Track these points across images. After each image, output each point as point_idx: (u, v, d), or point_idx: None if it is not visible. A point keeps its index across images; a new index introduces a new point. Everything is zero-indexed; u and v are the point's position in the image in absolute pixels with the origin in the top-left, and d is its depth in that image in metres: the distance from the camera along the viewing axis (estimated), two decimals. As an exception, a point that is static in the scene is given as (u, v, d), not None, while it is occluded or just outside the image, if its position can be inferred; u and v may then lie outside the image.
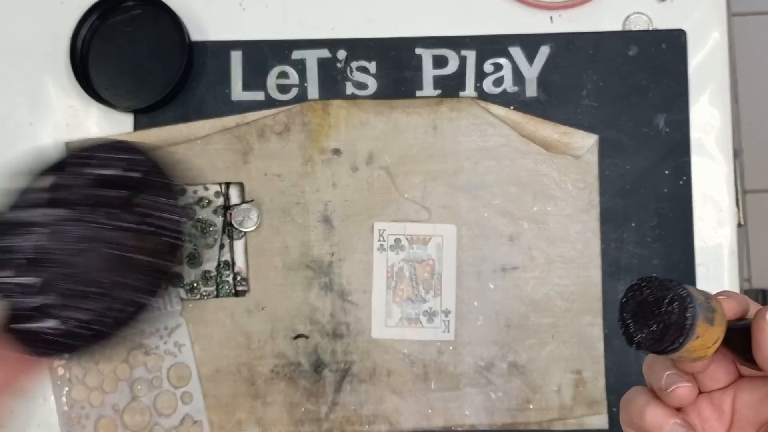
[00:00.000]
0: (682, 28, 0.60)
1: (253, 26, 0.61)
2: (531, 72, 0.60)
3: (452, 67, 0.60)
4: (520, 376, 0.58)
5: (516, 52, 0.60)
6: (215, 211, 0.60)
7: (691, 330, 0.32)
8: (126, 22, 0.60)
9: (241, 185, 0.60)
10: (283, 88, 0.60)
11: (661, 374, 0.35)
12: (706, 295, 0.33)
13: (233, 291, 0.59)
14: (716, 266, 0.59)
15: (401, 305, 0.59)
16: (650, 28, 0.60)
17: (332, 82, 0.60)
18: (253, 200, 0.60)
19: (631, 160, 0.59)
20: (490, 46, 0.60)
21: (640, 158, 0.59)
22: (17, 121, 0.61)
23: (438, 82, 0.60)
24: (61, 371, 0.59)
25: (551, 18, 0.61)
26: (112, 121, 0.60)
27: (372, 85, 0.60)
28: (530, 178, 0.59)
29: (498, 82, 0.60)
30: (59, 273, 0.38)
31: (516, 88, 0.60)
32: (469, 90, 0.60)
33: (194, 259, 0.59)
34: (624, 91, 0.60)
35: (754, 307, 0.35)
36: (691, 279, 0.59)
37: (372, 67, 0.60)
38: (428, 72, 0.60)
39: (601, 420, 0.58)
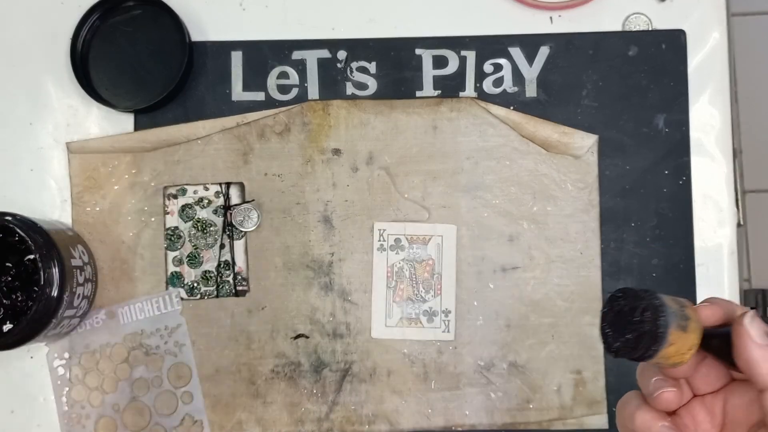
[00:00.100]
0: (682, 28, 0.60)
1: (254, 26, 0.61)
2: (531, 72, 0.60)
3: (452, 67, 0.60)
4: (520, 376, 0.58)
5: (516, 52, 0.60)
6: (215, 211, 0.60)
7: (663, 338, 0.33)
8: (126, 22, 0.60)
9: (241, 185, 0.60)
10: (284, 89, 0.61)
11: (649, 380, 0.36)
12: (681, 304, 0.35)
13: (233, 291, 0.59)
14: (716, 266, 0.59)
15: (401, 305, 0.59)
16: (650, 29, 0.60)
17: (332, 83, 0.60)
18: (253, 200, 0.60)
19: (630, 160, 0.59)
20: (490, 46, 0.60)
21: (640, 158, 0.59)
22: (17, 121, 0.61)
23: (438, 82, 0.60)
24: (61, 371, 0.59)
25: (551, 18, 0.61)
26: (112, 121, 0.60)
27: (372, 85, 0.60)
28: (530, 178, 0.59)
29: (498, 82, 0.60)
30: None
31: (516, 89, 0.60)
32: (469, 90, 0.60)
33: (194, 259, 0.59)
34: (624, 91, 0.60)
35: (740, 311, 0.35)
36: (691, 279, 0.59)
37: (372, 67, 0.60)
38: (428, 72, 0.60)
39: (601, 420, 0.58)
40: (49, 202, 0.60)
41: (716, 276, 0.59)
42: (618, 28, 0.61)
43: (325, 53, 0.61)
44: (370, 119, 0.60)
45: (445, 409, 0.58)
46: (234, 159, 0.60)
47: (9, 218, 0.52)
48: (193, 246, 0.60)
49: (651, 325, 0.34)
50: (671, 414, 0.37)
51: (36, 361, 0.59)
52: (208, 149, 0.60)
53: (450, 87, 0.60)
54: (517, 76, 0.60)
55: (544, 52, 0.60)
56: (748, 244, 1.33)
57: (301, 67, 0.61)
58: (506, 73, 0.60)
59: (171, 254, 0.59)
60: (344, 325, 0.59)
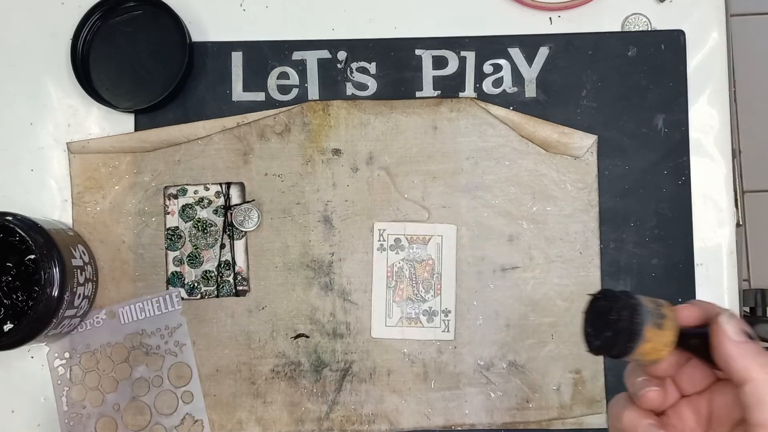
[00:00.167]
0: (681, 28, 0.60)
1: (254, 27, 0.61)
2: (530, 72, 0.60)
3: (452, 67, 0.60)
4: (520, 376, 0.59)
5: (515, 52, 0.60)
6: (216, 211, 0.60)
7: (639, 335, 0.35)
8: (127, 22, 0.60)
9: (241, 185, 0.60)
10: (284, 89, 0.61)
11: (635, 380, 0.38)
12: (658, 303, 0.37)
13: (234, 291, 0.59)
14: (715, 266, 0.59)
15: (401, 305, 0.59)
16: (649, 29, 0.60)
17: (332, 83, 0.61)
18: (253, 200, 0.60)
19: (630, 160, 0.60)
20: (490, 46, 0.60)
21: (640, 158, 0.60)
22: (18, 121, 0.61)
23: (438, 82, 0.60)
24: (61, 371, 0.59)
25: (550, 19, 0.61)
26: (112, 121, 0.60)
27: (372, 85, 0.60)
28: (530, 178, 0.60)
29: (497, 82, 0.60)
30: None
31: (515, 89, 0.60)
32: (469, 90, 0.60)
33: (195, 259, 0.60)
34: (623, 91, 0.60)
35: (718, 311, 0.37)
36: (691, 279, 0.59)
37: (372, 67, 0.60)
38: (428, 72, 0.60)
39: (600, 419, 0.58)
40: (49, 202, 0.60)
41: (715, 276, 0.59)
42: (617, 28, 0.61)
43: (325, 53, 0.61)
44: (370, 119, 0.60)
45: (445, 408, 0.59)
46: (234, 159, 0.60)
47: (9, 218, 0.52)
48: (194, 246, 0.60)
49: (628, 322, 0.36)
50: (660, 415, 0.39)
51: (36, 361, 0.59)
52: (208, 149, 0.60)
53: (450, 87, 0.60)
54: (517, 77, 0.60)
55: (543, 52, 0.60)
56: (748, 244, 1.34)
57: (301, 67, 0.61)
58: (506, 73, 0.60)
59: (171, 254, 0.60)
60: (344, 324, 0.59)
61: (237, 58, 0.61)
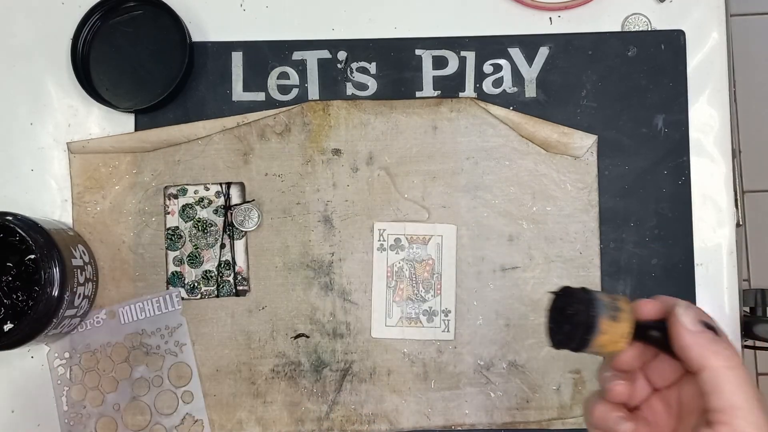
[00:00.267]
0: (681, 28, 0.60)
1: (254, 27, 0.61)
2: (530, 72, 0.60)
3: (452, 67, 0.60)
4: (520, 376, 0.59)
5: (515, 52, 0.60)
6: (216, 211, 0.60)
7: (594, 327, 0.37)
8: (127, 22, 0.60)
9: (241, 185, 0.60)
10: (284, 89, 0.61)
11: (602, 375, 0.40)
12: (614, 298, 0.39)
13: (234, 290, 0.59)
14: (715, 266, 0.59)
15: (401, 305, 0.59)
16: (649, 29, 0.60)
17: (332, 83, 0.61)
18: (253, 200, 0.60)
19: (630, 160, 0.60)
20: (490, 46, 0.60)
21: (640, 158, 0.60)
22: (18, 121, 0.61)
23: (438, 82, 0.60)
24: (61, 371, 0.59)
25: (550, 19, 0.61)
26: (112, 121, 0.61)
27: (372, 85, 0.60)
28: (530, 178, 0.60)
29: (497, 82, 0.60)
30: None
31: (515, 89, 0.60)
32: (469, 90, 0.60)
33: (195, 259, 0.60)
34: (623, 91, 0.60)
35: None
36: (690, 279, 0.59)
37: (372, 67, 0.61)
38: (428, 72, 0.60)
39: (601, 419, 0.58)
40: (49, 202, 0.60)
41: (715, 276, 0.59)
42: (617, 28, 0.61)
43: (325, 54, 0.61)
44: (370, 119, 0.60)
45: (444, 408, 0.59)
46: (234, 159, 0.60)
47: (10, 218, 0.52)
48: (194, 246, 0.60)
49: (584, 316, 0.38)
50: (633, 409, 0.41)
51: (36, 361, 0.59)
52: (208, 149, 0.60)
53: (450, 87, 0.60)
54: (517, 77, 0.60)
55: (543, 52, 0.60)
56: (747, 244, 1.34)
57: (301, 67, 0.61)
58: (506, 73, 0.60)
59: (171, 254, 0.60)
60: (344, 324, 0.59)
61: (237, 58, 0.61)
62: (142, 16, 0.60)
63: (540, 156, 0.60)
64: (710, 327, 0.38)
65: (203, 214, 0.60)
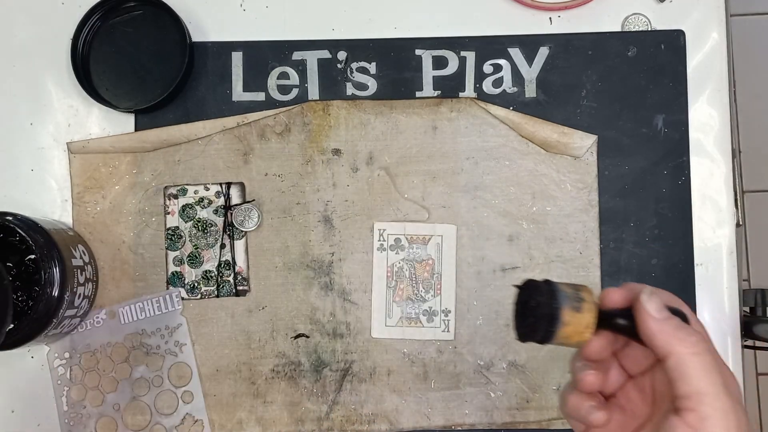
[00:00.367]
0: (681, 28, 0.60)
1: (254, 27, 0.61)
2: (530, 73, 0.60)
3: (452, 67, 0.60)
4: (520, 376, 0.59)
5: (515, 52, 0.60)
6: (216, 211, 0.60)
7: (557, 318, 0.37)
8: (127, 22, 0.60)
9: (241, 185, 0.60)
10: (284, 89, 0.61)
11: (574, 365, 0.40)
12: (576, 288, 0.38)
13: (234, 290, 0.59)
14: (715, 266, 0.59)
15: (401, 305, 0.59)
16: (649, 29, 0.60)
17: (332, 83, 0.61)
18: (253, 200, 0.60)
19: (630, 160, 0.60)
20: (490, 46, 0.60)
21: (639, 158, 0.60)
22: (18, 121, 0.61)
23: (438, 82, 0.60)
24: (61, 371, 0.59)
25: (550, 19, 0.61)
26: (113, 121, 0.61)
27: (372, 85, 0.61)
28: (529, 178, 0.60)
29: (497, 82, 0.60)
30: None
31: (515, 89, 0.60)
32: (469, 90, 0.60)
33: (195, 259, 0.60)
34: (623, 91, 0.60)
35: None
36: (690, 279, 0.59)
37: (372, 67, 0.61)
38: (428, 73, 0.60)
39: (601, 419, 0.58)
40: (49, 202, 0.60)
41: (715, 276, 0.59)
42: (617, 28, 0.61)
43: (325, 54, 0.61)
44: (370, 119, 0.60)
45: (445, 408, 0.59)
46: (234, 159, 0.60)
47: (10, 218, 0.52)
48: (194, 246, 0.60)
49: (546, 308, 0.37)
50: (610, 397, 0.41)
51: (36, 361, 0.59)
52: (208, 149, 0.60)
53: (450, 87, 0.60)
54: (517, 77, 0.60)
55: (543, 52, 0.60)
56: (747, 244, 1.34)
57: (301, 67, 0.61)
58: (506, 73, 0.60)
59: (171, 254, 0.60)
60: (344, 324, 0.59)
61: (237, 58, 0.61)
62: (142, 16, 0.60)
63: (540, 156, 0.60)
64: (678, 312, 0.38)
65: (203, 214, 0.60)
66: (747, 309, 0.61)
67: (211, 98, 0.61)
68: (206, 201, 0.60)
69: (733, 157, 0.60)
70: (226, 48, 0.61)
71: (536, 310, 0.38)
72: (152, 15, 0.60)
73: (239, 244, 0.60)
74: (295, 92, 0.61)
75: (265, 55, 0.61)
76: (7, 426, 0.59)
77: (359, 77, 0.61)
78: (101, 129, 0.61)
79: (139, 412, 0.59)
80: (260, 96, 0.61)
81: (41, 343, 0.58)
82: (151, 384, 0.59)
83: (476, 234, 0.59)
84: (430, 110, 0.60)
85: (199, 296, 0.59)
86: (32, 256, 0.53)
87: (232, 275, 0.60)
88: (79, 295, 0.55)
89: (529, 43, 0.60)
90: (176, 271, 0.59)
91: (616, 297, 0.39)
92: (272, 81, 0.61)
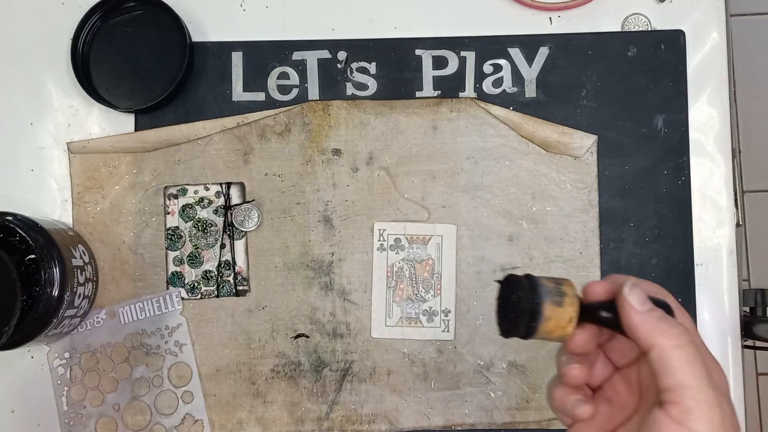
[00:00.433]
0: (681, 28, 0.60)
1: (254, 27, 0.61)
2: (530, 73, 0.60)
3: (452, 67, 0.60)
4: (520, 376, 0.59)
5: (515, 52, 0.60)
6: (216, 211, 0.60)
7: (538, 313, 0.37)
8: (127, 22, 0.60)
9: (241, 185, 0.60)
10: (284, 89, 0.61)
11: (559, 359, 0.40)
12: (558, 282, 0.38)
13: (234, 290, 0.59)
14: (715, 266, 0.59)
15: (401, 305, 0.59)
16: (649, 29, 0.60)
17: (332, 83, 0.61)
18: (253, 200, 0.60)
19: (630, 160, 0.60)
20: (490, 46, 0.60)
21: (639, 158, 0.60)
22: (18, 121, 0.61)
23: (438, 82, 0.60)
24: (61, 371, 0.59)
25: (550, 19, 0.61)
26: (113, 121, 0.61)
27: (372, 85, 0.61)
28: (529, 178, 0.60)
29: (497, 82, 0.60)
30: None
31: (515, 89, 0.60)
32: (469, 90, 0.60)
33: (195, 259, 0.60)
34: (623, 91, 0.60)
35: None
36: (690, 279, 0.59)
37: (372, 67, 0.61)
38: (428, 73, 0.60)
39: (601, 419, 0.58)
40: (49, 202, 0.60)
41: (715, 276, 0.59)
42: (617, 28, 0.61)
43: (325, 54, 0.61)
44: (370, 119, 0.60)
45: (444, 408, 0.59)
46: (234, 159, 0.60)
47: (10, 218, 0.52)
48: (194, 246, 0.60)
49: (528, 303, 0.37)
50: (597, 390, 0.40)
51: (36, 361, 0.59)
52: (208, 149, 0.60)
53: (450, 87, 0.60)
54: (517, 77, 0.60)
55: (543, 52, 0.60)
56: (747, 244, 1.34)
57: (301, 67, 0.61)
58: (506, 73, 0.60)
59: (171, 254, 0.60)
60: (344, 324, 0.59)
61: (237, 58, 0.61)
62: (142, 16, 0.60)
63: (540, 156, 0.60)
64: (662, 304, 0.37)
65: (203, 214, 0.60)
66: (747, 309, 0.61)
67: (211, 98, 0.61)
68: (206, 201, 0.60)
69: (733, 157, 0.60)
70: (226, 48, 0.61)
71: (517, 305, 0.38)
72: (152, 15, 0.60)
73: (239, 244, 0.60)
74: (295, 92, 0.61)
75: (265, 55, 0.61)
76: (7, 426, 0.59)
77: (359, 77, 0.61)
78: (101, 129, 0.61)
79: (139, 412, 0.59)
80: (260, 96, 0.61)
81: (41, 343, 0.58)
82: (151, 384, 0.59)
83: (476, 234, 0.59)
84: (430, 110, 0.60)
85: (199, 296, 0.59)
86: (32, 256, 0.53)
87: (232, 275, 0.60)
88: (79, 295, 0.55)
89: (529, 43, 0.60)
90: (176, 271, 0.59)
91: (598, 290, 0.38)
92: (272, 81, 0.61)
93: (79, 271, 0.55)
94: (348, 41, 0.61)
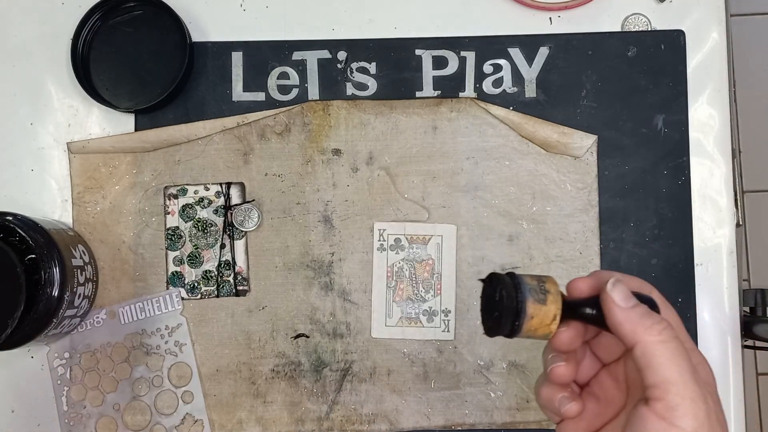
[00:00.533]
0: (681, 28, 0.60)
1: (254, 27, 0.61)
2: (530, 73, 0.60)
3: (452, 67, 0.60)
4: (520, 376, 0.59)
5: (515, 52, 0.60)
6: (216, 211, 0.60)
7: (521, 312, 0.37)
8: (127, 22, 0.60)
9: (241, 185, 0.60)
10: (284, 89, 0.61)
11: (545, 357, 0.40)
12: (541, 280, 0.38)
13: (234, 290, 0.59)
14: (715, 266, 0.59)
15: (401, 305, 0.59)
16: (649, 29, 0.60)
17: (332, 83, 0.61)
18: (253, 200, 0.60)
19: (630, 160, 0.60)
20: (490, 47, 0.60)
21: (639, 158, 0.60)
22: (18, 121, 0.61)
23: (438, 82, 0.60)
24: (61, 371, 0.59)
25: (550, 19, 0.61)
26: (113, 121, 0.61)
27: (372, 85, 0.61)
28: (529, 178, 0.60)
29: (497, 82, 0.60)
30: None
31: (515, 89, 0.60)
32: (469, 90, 0.60)
33: (195, 259, 0.60)
34: (623, 91, 0.60)
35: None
36: (690, 279, 0.59)
37: (372, 67, 0.61)
38: (428, 73, 0.60)
39: (601, 419, 0.58)
40: (49, 202, 0.60)
41: (715, 276, 0.59)
42: (617, 28, 0.61)
43: (325, 54, 0.61)
44: (370, 119, 0.60)
45: (445, 408, 0.59)
46: (234, 159, 0.60)
47: (10, 218, 0.52)
48: (194, 246, 0.60)
49: (510, 301, 0.37)
50: (584, 386, 0.40)
51: (36, 361, 0.59)
52: (208, 149, 0.60)
53: (450, 87, 0.60)
54: (517, 77, 0.60)
55: (543, 52, 0.60)
56: (747, 244, 1.34)
57: (301, 67, 0.61)
58: (506, 73, 0.60)
59: (171, 254, 0.60)
60: (344, 324, 0.59)
61: (237, 58, 0.61)
62: (142, 16, 0.60)
63: (540, 156, 0.60)
64: (646, 299, 0.37)
65: (203, 214, 0.60)
66: (747, 309, 0.61)
67: (211, 98, 0.61)
68: (206, 201, 0.60)
69: (733, 157, 0.60)
70: (226, 48, 0.61)
71: (500, 304, 0.37)
72: (152, 15, 0.60)
73: (239, 244, 0.60)
74: (295, 92, 0.61)
75: (265, 55, 0.61)
76: (7, 426, 0.59)
77: (359, 77, 0.61)
78: (101, 129, 0.61)
79: (139, 412, 0.59)
80: (260, 96, 0.61)
81: (41, 343, 0.58)
82: (151, 384, 0.59)
83: (476, 234, 0.59)
84: (430, 110, 0.60)
85: (199, 296, 0.59)
86: (32, 256, 0.53)
87: (232, 275, 0.60)
88: (79, 295, 0.55)
89: (529, 43, 0.60)
90: (176, 271, 0.59)
91: (582, 286, 0.38)
92: (272, 81, 0.61)
93: (79, 271, 0.55)
94: (348, 41, 0.61)
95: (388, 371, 0.59)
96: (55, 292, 0.52)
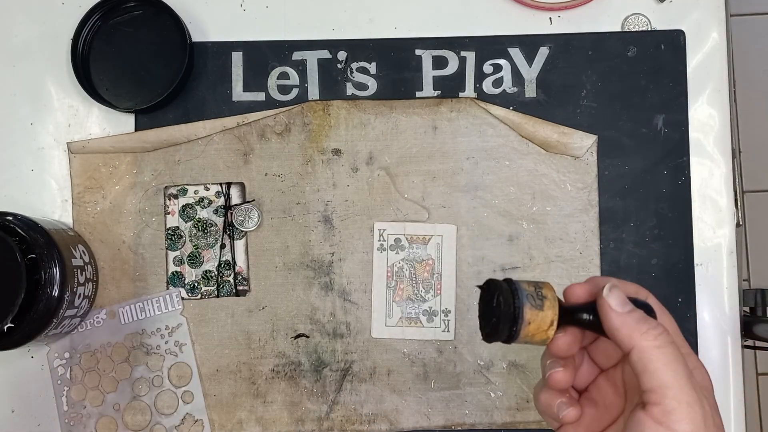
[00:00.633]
0: (681, 28, 0.60)
1: (254, 27, 0.61)
2: (530, 73, 0.60)
3: (452, 67, 0.61)
4: (520, 376, 0.59)
5: (515, 52, 0.60)
6: (216, 211, 0.60)
7: (519, 318, 0.37)
8: (127, 22, 0.60)
9: (241, 185, 0.60)
10: (284, 89, 0.61)
11: (543, 363, 0.40)
12: (537, 286, 0.38)
13: (234, 290, 0.59)
14: (715, 266, 0.59)
15: (401, 305, 0.59)
16: (649, 29, 0.60)
17: (332, 83, 0.61)
18: (253, 200, 0.60)
19: (630, 160, 0.60)
20: (490, 47, 0.60)
21: (639, 158, 0.60)
22: (18, 121, 0.61)
23: (438, 82, 0.60)
24: (61, 371, 0.59)
25: (550, 19, 0.61)
26: (113, 121, 0.61)
27: (372, 85, 0.61)
28: (529, 178, 0.60)
29: (497, 82, 0.60)
30: None
31: (515, 89, 0.60)
32: (469, 90, 0.60)
33: (195, 259, 0.60)
34: (623, 91, 0.60)
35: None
36: (690, 279, 0.59)
37: (372, 67, 0.61)
38: (428, 73, 0.60)
39: (601, 419, 0.58)
40: (49, 202, 0.60)
41: (715, 276, 0.59)
42: (617, 28, 0.61)
43: (325, 54, 0.61)
44: (370, 119, 0.60)
45: (445, 408, 0.59)
46: (234, 159, 0.60)
47: (10, 218, 0.52)
48: (194, 246, 0.60)
49: (507, 307, 0.37)
50: (583, 392, 0.41)
51: (36, 361, 0.59)
52: (208, 149, 0.60)
53: (450, 87, 0.60)
54: (517, 77, 0.60)
55: (543, 52, 0.60)
56: (747, 244, 1.34)
57: (301, 67, 0.61)
58: (506, 73, 0.60)
59: (171, 254, 0.60)
60: (344, 324, 0.59)
61: (237, 58, 0.61)
62: (142, 16, 0.60)
63: (540, 156, 0.60)
64: (642, 305, 0.37)
65: (203, 214, 0.60)
66: (747, 309, 0.61)
67: (211, 98, 0.61)
68: (206, 201, 0.60)
69: (733, 157, 0.60)
70: (226, 48, 0.61)
71: (498, 310, 0.38)
72: (152, 15, 0.60)
73: (239, 244, 0.60)
74: (295, 92, 0.61)
75: (265, 55, 0.61)
76: (7, 426, 0.59)
77: (359, 77, 0.61)
78: (101, 129, 0.61)
79: (139, 412, 0.59)
80: (260, 96, 0.61)
81: (41, 343, 0.58)
82: (151, 384, 0.59)
83: (476, 234, 0.59)
84: (430, 110, 0.60)
85: (199, 296, 0.59)
86: (32, 256, 0.53)
87: (232, 275, 0.60)
88: (79, 295, 0.55)
89: (529, 43, 0.60)
90: (176, 271, 0.59)
91: (579, 292, 0.38)
92: (272, 81, 0.61)
93: (79, 271, 0.55)
94: (348, 41, 0.61)
95: (388, 371, 0.59)
96: (55, 292, 0.52)
